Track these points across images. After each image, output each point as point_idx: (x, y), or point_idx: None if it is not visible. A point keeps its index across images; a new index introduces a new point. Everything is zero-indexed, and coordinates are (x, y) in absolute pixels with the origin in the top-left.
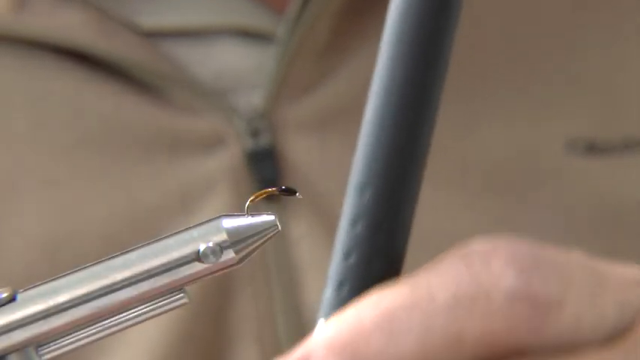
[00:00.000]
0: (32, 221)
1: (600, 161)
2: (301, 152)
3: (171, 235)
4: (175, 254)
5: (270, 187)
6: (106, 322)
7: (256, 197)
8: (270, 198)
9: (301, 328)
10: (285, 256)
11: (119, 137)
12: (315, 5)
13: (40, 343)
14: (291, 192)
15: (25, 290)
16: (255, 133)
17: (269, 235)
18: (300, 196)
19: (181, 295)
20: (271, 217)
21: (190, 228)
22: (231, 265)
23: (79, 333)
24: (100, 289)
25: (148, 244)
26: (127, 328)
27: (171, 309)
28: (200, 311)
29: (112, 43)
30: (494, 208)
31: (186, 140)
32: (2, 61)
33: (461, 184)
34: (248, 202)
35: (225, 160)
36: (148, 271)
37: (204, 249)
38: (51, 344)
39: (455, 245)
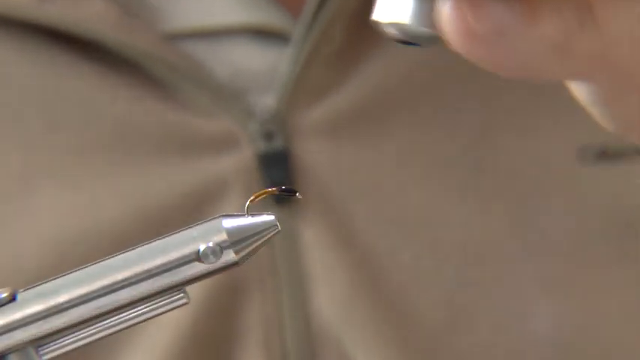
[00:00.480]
0: (45, 220)
1: (611, 167)
2: (314, 156)
3: (171, 234)
4: (175, 254)
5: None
6: (106, 322)
7: (256, 197)
8: (280, 203)
9: (309, 335)
10: (295, 262)
11: (133, 138)
12: (328, 9)
13: (40, 343)
14: (291, 192)
15: (25, 290)
16: (268, 136)
17: (269, 235)
18: (300, 197)
19: (181, 295)
20: (271, 217)
21: (190, 227)
22: (232, 265)
23: (79, 333)
24: (100, 289)
25: (148, 243)
26: (127, 328)
27: (171, 309)
28: (208, 315)
29: (132, 38)
30: (507, 213)
31: (199, 141)
32: (21, 53)
33: (474, 190)
34: (248, 202)
35: (238, 162)
36: (148, 271)
37: (204, 249)
38: (51, 344)
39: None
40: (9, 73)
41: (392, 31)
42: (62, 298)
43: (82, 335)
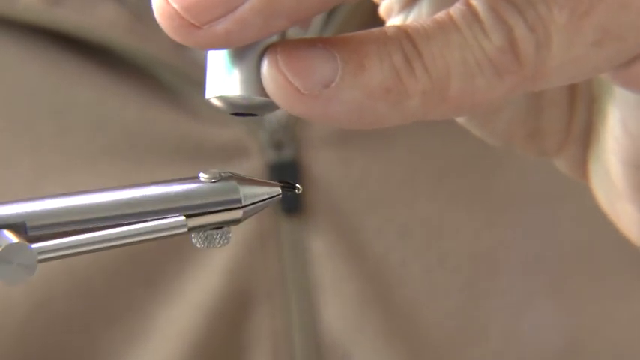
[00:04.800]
0: None
1: None
2: (323, 167)
3: (185, 178)
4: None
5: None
6: (103, 232)
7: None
8: (289, 213)
9: (317, 345)
10: (304, 273)
11: (143, 144)
12: (336, 20)
13: (33, 221)
14: (292, 187)
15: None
16: (278, 146)
17: (270, 202)
18: (300, 191)
19: (181, 219)
20: (277, 188)
21: (204, 183)
22: (232, 222)
23: (75, 238)
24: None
25: (158, 183)
26: (123, 244)
27: (170, 235)
28: (217, 325)
29: (143, 44)
30: (517, 223)
31: (209, 149)
32: (32, 57)
33: (484, 200)
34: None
35: (248, 172)
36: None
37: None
38: (46, 241)
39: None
40: (20, 76)
41: (225, 105)
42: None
43: (77, 240)
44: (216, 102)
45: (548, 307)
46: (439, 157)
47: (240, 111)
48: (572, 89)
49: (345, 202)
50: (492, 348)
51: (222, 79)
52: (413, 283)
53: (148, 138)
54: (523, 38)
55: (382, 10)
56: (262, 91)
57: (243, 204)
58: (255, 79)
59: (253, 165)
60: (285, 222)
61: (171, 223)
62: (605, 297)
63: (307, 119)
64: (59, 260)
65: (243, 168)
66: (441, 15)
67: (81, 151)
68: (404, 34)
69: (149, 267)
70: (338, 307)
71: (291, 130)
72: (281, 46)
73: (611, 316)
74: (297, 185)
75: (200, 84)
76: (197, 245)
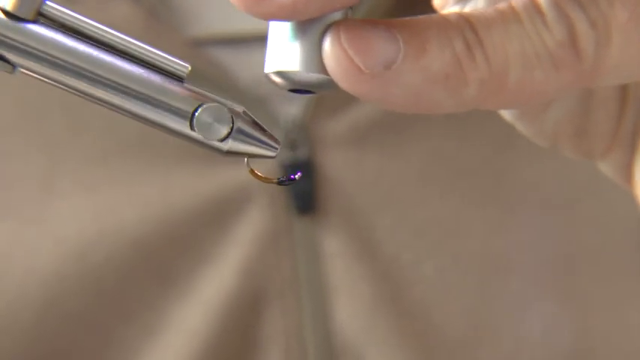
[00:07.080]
0: (66, 223)
1: None
2: (337, 166)
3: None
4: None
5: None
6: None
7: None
8: (302, 212)
9: (330, 346)
10: (317, 273)
11: (156, 143)
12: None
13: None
14: (292, 181)
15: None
16: (292, 146)
17: (262, 155)
18: (298, 178)
19: (186, 66)
20: (277, 144)
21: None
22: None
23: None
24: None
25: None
26: (114, 48)
27: (167, 69)
28: (229, 325)
29: (158, 43)
30: (530, 224)
31: None
32: None
33: (497, 201)
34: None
35: (261, 171)
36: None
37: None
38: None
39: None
40: None
41: (283, 81)
42: None
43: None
44: (275, 77)
45: (560, 309)
46: (453, 157)
47: (299, 87)
48: (622, 91)
49: (359, 202)
50: (504, 349)
51: (283, 54)
52: (425, 283)
53: (161, 137)
54: (584, 34)
55: (437, 1)
56: (323, 68)
57: (225, 147)
58: (316, 56)
59: (267, 164)
60: (299, 221)
61: (173, 60)
62: (617, 300)
63: (365, 100)
64: (72, 258)
65: (256, 167)
66: (503, 5)
67: (94, 149)
68: (466, 21)
69: (162, 265)
70: (350, 307)
71: (306, 129)
72: (344, 24)
73: (623, 319)
74: (296, 174)
75: (215, 83)
76: (196, 129)
